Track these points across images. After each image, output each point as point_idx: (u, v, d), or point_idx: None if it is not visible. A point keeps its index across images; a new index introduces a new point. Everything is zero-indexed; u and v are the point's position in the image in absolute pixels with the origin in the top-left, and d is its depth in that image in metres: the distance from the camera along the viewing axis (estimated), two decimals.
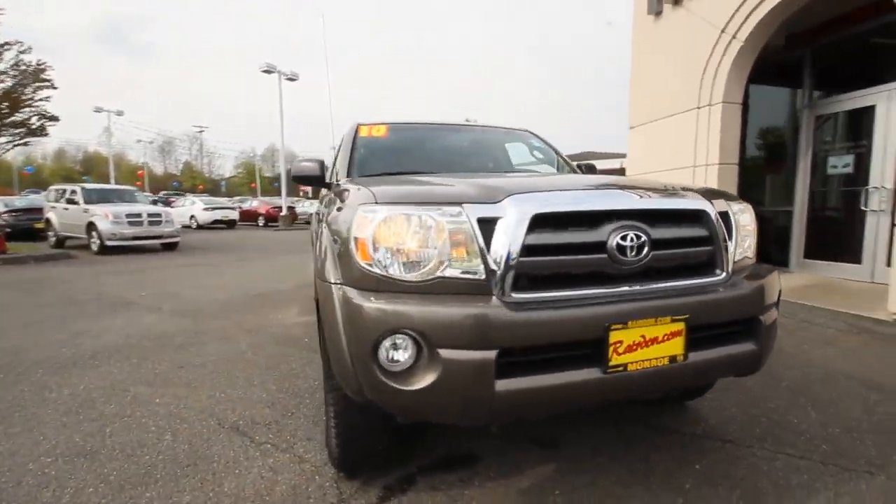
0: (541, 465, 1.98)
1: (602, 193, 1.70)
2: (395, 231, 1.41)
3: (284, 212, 22.27)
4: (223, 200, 28.12)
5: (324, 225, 1.97)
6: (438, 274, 1.38)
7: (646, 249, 1.50)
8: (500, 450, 2.09)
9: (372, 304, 1.36)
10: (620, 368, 1.41)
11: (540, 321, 1.34)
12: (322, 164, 2.68)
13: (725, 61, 5.68)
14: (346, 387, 1.52)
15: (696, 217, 1.64)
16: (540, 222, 1.41)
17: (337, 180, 2.64)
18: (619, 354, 1.41)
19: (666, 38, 6.56)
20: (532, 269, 1.41)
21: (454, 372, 1.28)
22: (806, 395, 2.61)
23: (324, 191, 2.79)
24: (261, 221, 23.97)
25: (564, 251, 1.45)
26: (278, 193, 26.93)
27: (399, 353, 1.35)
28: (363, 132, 2.93)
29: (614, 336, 1.40)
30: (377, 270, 1.42)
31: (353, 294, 1.43)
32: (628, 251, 1.47)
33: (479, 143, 3.30)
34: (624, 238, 1.47)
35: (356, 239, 1.46)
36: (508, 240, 1.38)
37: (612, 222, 1.49)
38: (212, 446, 2.15)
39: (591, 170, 3.33)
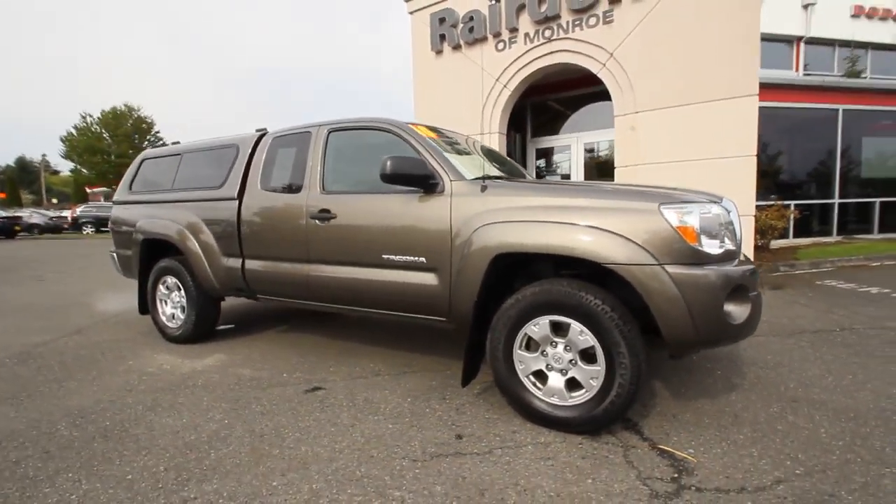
0: (652, 383, 2.87)
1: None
2: (710, 221, 2.04)
3: None
4: None
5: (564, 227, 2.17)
6: (725, 249, 2.11)
7: None
8: None
9: (721, 271, 1.97)
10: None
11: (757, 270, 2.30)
12: (423, 161, 2.57)
13: (500, 102, 7.71)
14: (680, 336, 1.99)
15: None
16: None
17: (444, 179, 2.58)
18: None
19: (449, 73, 8.10)
20: None
21: (755, 305, 2.08)
22: None
23: (432, 198, 2.61)
24: None
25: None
26: None
27: (735, 301, 2.02)
28: (423, 132, 2.87)
29: None
30: (701, 249, 2.01)
31: (689, 268, 1.97)
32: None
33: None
34: None
35: (677, 228, 1.99)
36: (738, 223, 2.26)
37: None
38: (472, 473, 1.93)
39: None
